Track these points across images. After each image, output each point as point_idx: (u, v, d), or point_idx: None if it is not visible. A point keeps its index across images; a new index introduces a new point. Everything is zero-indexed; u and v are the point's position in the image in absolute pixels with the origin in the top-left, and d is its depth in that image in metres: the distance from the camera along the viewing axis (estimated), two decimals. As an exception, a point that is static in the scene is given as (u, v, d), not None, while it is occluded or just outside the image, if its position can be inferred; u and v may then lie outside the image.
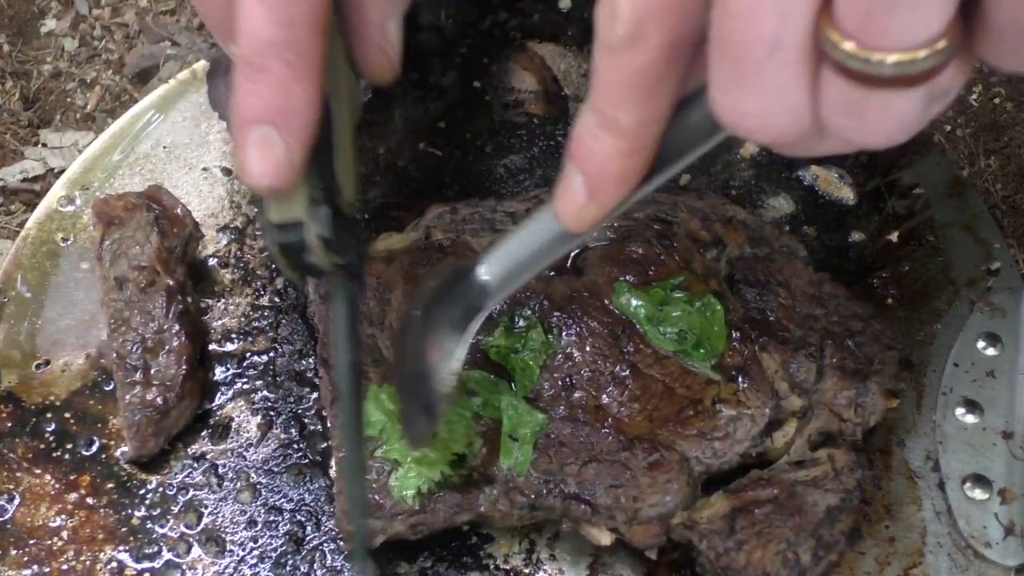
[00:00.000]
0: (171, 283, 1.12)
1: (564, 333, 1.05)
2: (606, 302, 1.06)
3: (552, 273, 1.10)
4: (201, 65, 1.38)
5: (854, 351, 1.08)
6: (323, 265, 0.91)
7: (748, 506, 1.01)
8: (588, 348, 1.04)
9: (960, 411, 1.13)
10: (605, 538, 1.01)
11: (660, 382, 1.03)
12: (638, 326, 1.06)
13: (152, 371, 1.09)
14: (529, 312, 1.05)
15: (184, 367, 1.09)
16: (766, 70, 0.56)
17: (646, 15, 0.59)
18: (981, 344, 1.17)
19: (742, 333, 1.06)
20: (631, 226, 1.12)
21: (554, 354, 1.04)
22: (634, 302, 1.06)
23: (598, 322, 1.05)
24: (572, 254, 1.12)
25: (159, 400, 1.07)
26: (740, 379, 1.04)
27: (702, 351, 1.05)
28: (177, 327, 1.11)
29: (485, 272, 0.83)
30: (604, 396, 1.03)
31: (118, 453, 1.10)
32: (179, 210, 1.18)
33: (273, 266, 1.22)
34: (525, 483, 0.99)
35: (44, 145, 1.57)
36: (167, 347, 1.10)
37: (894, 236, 1.26)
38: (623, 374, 1.03)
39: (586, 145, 0.67)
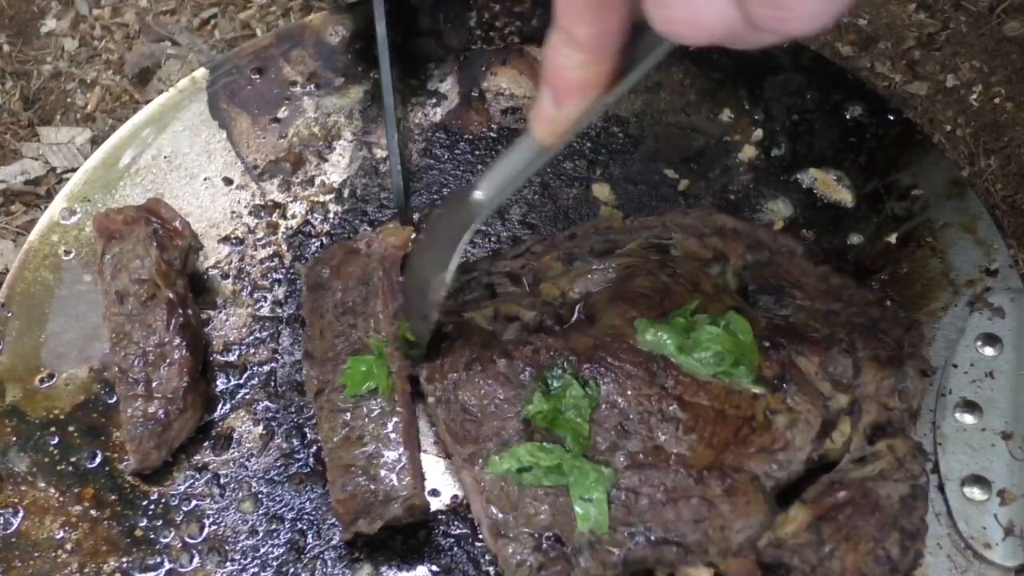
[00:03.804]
0: (171, 296, 1.13)
1: (601, 382, 1.03)
2: (631, 342, 1.05)
3: (565, 326, 1.11)
4: (201, 73, 1.38)
5: (882, 339, 1.09)
6: None
7: (829, 512, 1.00)
8: (629, 392, 1.03)
9: (959, 412, 1.13)
10: (704, 574, 1.00)
11: (709, 408, 1.03)
12: (671, 359, 1.05)
13: (154, 384, 1.09)
14: (560, 371, 1.04)
15: (186, 379, 1.10)
16: None
17: None
18: (980, 345, 1.17)
19: (772, 342, 1.06)
20: (629, 262, 1.12)
21: (597, 406, 1.03)
22: (660, 336, 1.06)
23: (630, 363, 1.04)
24: (579, 304, 1.12)
25: (161, 413, 1.08)
26: (785, 387, 1.04)
27: (742, 368, 1.04)
28: (178, 340, 1.11)
29: (479, 193, 0.93)
30: (660, 435, 1.02)
31: (121, 465, 1.11)
32: (178, 223, 1.18)
33: (273, 277, 1.23)
34: (610, 540, 0.98)
35: (42, 142, 1.57)
36: (168, 360, 1.10)
37: (893, 238, 1.26)
38: (670, 408, 1.02)
39: (551, 61, 0.75)
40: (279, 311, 1.21)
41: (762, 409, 1.03)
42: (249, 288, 1.23)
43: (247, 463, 1.12)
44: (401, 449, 1.05)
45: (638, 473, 1.00)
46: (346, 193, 1.30)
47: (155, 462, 1.09)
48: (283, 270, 1.24)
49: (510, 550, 0.98)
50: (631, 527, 0.98)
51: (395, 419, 1.07)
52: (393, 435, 1.06)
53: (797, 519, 1.00)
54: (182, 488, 1.10)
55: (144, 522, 1.08)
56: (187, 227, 1.19)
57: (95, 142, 1.41)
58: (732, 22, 0.63)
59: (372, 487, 1.03)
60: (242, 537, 1.07)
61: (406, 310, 1.08)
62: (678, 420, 1.02)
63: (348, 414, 1.07)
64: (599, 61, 0.73)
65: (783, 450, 1.03)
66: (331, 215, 1.29)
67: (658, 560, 0.99)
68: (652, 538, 0.98)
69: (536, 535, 0.98)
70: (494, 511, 1.00)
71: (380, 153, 1.33)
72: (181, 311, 1.13)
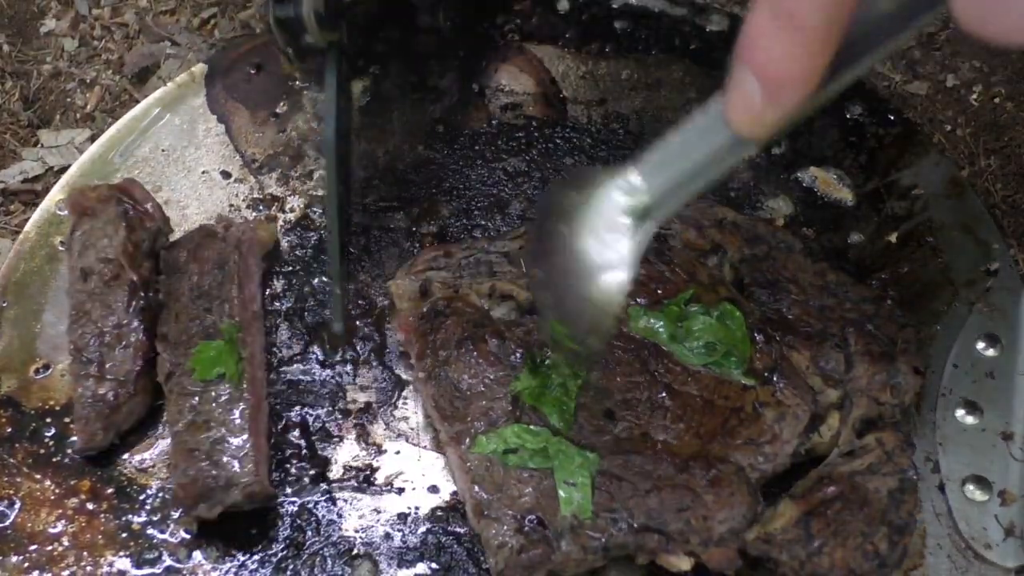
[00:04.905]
0: (134, 279, 1.12)
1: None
2: (624, 328, 1.06)
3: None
4: (199, 68, 1.38)
5: (875, 334, 1.09)
6: (316, 41, 1.10)
7: (818, 508, 1.00)
8: (619, 378, 1.03)
9: (960, 412, 1.13)
10: (684, 563, 1.00)
11: (698, 397, 1.03)
12: (663, 346, 1.05)
13: (107, 365, 1.09)
14: (549, 349, 1.04)
15: (139, 363, 1.10)
16: None
17: None
18: (980, 345, 1.17)
19: (765, 335, 1.06)
20: None
21: (586, 390, 1.03)
22: (652, 323, 1.06)
23: (621, 349, 1.04)
24: None
25: (111, 395, 1.08)
26: (775, 380, 1.05)
27: (733, 359, 1.05)
28: (136, 323, 1.11)
29: (643, 186, 0.77)
30: (647, 422, 1.02)
31: (120, 457, 1.10)
32: (150, 205, 1.19)
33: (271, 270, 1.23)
34: (592, 525, 0.98)
35: (42, 146, 1.57)
36: (124, 342, 1.10)
37: (893, 237, 1.25)
38: (660, 396, 1.03)
39: (763, 48, 0.62)
40: (277, 304, 1.21)
41: (751, 401, 1.04)
42: (247, 282, 1.22)
43: (245, 458, 1.11)
44: (246, 435, 1.05)
45: (623, 459, 1.00)
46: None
47: (101, 444, 1.09)
48: (281, 263, 1.24)
49: (492, 531, 0.98)
50: (614, 513, 0.98)
51: (242, 405, 1.07)
52: (239, 421, 1.06)
53: (786, 515, 1.00)
54: (180, 482, 1.09)
55: (142, 516, 1.08)
56: (158, 210, 1.20)
57: (94, 141, 1.40)
58: None
59: (213, 472, 1.03)
60: (240, 533, 1.07)
61: (566, 316, 0.91)
62: (666, 408, 1.02)
63: (196, 398, 1.07)
64: (826, 49, 0.61)
65: (770, 443, 1.03)
66: (330, 208, 1.28)
67: (639, 547, 0.99)
68: (634, 525, 0.98)
69: (519, 517, 0.98)
70: (478, 491, 1.00)
71: (378, 148, 1.33)
72: (143, 294, 1.13)
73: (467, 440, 1.02)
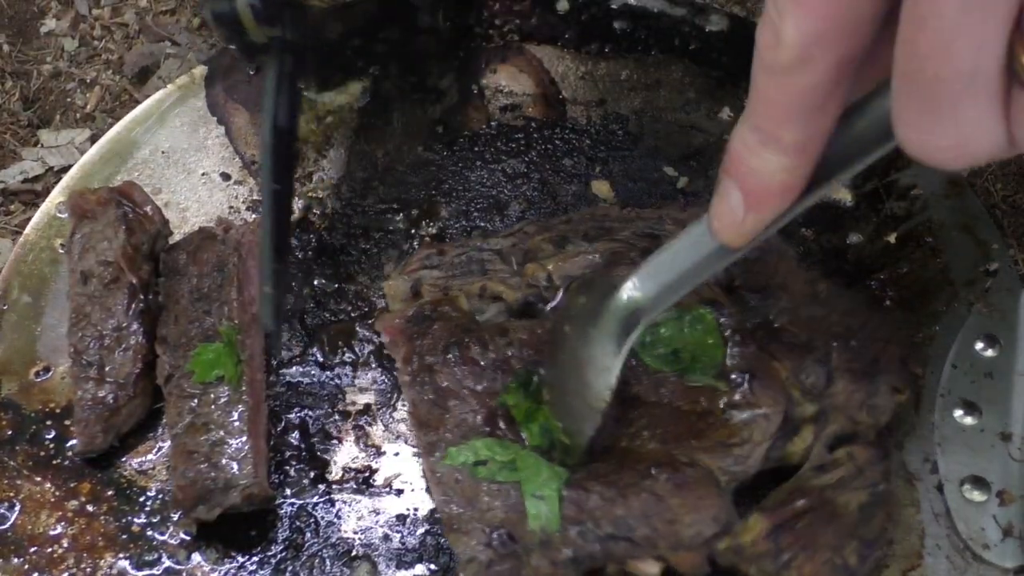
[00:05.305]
0: (134, 281, 1.13)
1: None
2: None
3: (549, 307, 1.09)
4: (200, 70, 1.39)
5: (858, 351, 1.07)
6: (256, 37, 1.04)
7: (787, 521, 0.99)
8: None
9: (958, 412, 1.13)
10: (652, 568, 0.99)
11: (665, 405, 1.02)
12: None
13: (107, 368, 1.10)
14: (536, 377, 1.03)
15: (139, 366, 1.10)
16: (962, 105, 0.54)
17: (813, 40, 0.58)
18: (979, 345, 1.17)
19: (744, 337, 1.05)
20: (615, 247, 1.11)
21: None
22: None
23: None
24: (562, 288, 1.10)
25: (110, 398, 1.08)
26: (747, 382, 1.02)
27: (700, 365, 1.03)
28: (136, 325, 1.12)
29: (636, 290, 0.84)
30: (613, 430, 1.00)
31: (121, 460, 1.11)
32: (149, 208, 1.19)
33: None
34: (561, 539, 0.96)
35: (42, 146, 1.57)
36: (124, 345, 1.11)
37: (892, 237, 1.25)
38: (630, 401, 1.01)
39: (745, 162, 0.66)
40: (277, 307, 1.21)
41: (721, 404, 1.02)
42: (247, 283, 1.22)
43: (244, 459, 1.11)
44: (245, 437, 1.05)
45: (587, 470, 0.99)
46: (344, 189, 1.30)
47: (101, 446, 1.09)
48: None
49: (461, 545, 0.97)
50: (581, 525, 0.97)
51: (241, 407, 1.07)
52: (238, 423, 1.06)
53: (756, 528, 0.99)
54: (179, 484, 1.10)
55: (142, 518, 1.08)
56: (158, 212, 1.20)
57: (94, 141, 1.41)
58: (998, 147, 0.56)
59: (212, 474, 1.04)
60: (240, 535, 1.07)
61: (559, 410, 1.00)
62: (631, 420, 1.01)
63: (195, 401, 1.08)
64: (804, 165, 0.65)
65: (739, 445, 1.01)
66: (329, 210, 1.28)
67: (608, 556, 0.98)
68: (600, 534, 0.97)
69: (487, 531, 0.97)
70: (448, 504, 0.99)
71: (378, 149, 1.34)
72: (143, 297, 1.13)
73: (438, 453, 1.01)
